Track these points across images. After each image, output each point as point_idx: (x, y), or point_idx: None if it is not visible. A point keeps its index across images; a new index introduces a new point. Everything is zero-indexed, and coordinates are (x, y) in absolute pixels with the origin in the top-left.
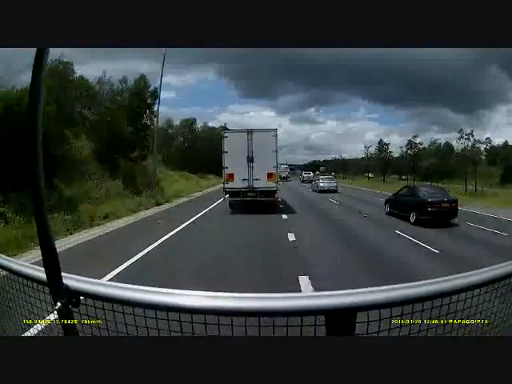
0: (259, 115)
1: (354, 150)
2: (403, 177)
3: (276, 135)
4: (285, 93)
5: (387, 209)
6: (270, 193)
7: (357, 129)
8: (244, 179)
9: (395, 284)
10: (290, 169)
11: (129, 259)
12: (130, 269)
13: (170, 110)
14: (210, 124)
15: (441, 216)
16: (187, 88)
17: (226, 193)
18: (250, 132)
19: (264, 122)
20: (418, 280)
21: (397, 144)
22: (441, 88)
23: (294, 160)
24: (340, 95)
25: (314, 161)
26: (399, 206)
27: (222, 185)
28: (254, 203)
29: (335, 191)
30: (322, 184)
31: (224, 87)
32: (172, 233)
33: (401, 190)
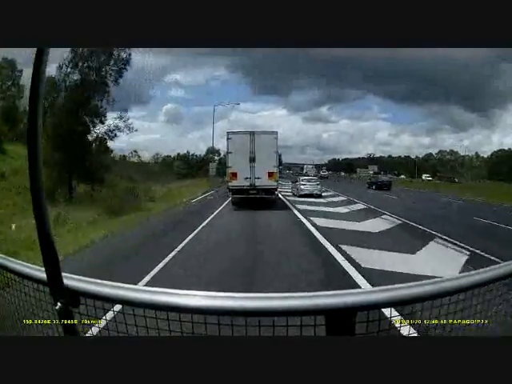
0: (271, 114)
1: (367, 150)
2: None
3: (277, 137)
4: (297, 91)
5: (367, 185)
6: (270, 190)
7: (369, 128)
8: (246, 178)
9: (396, 284)
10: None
11: None
12: None
13: (181, 108)
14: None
15: (382, 186)
16: (196, 86)
17: (230, 190)
18: (252, 134)
19: (276, 122)
20: (418, 279)
21: (407, 145)
22: (455, 87)
23: (306, 160)
24: (353, 93)
25: (334, 159)
26: (370, 184)
27: None
28: (255, 200)
29: (319, 196)
30: (303, 187)
31: (234, 85)
32: None
33: (370, 179)
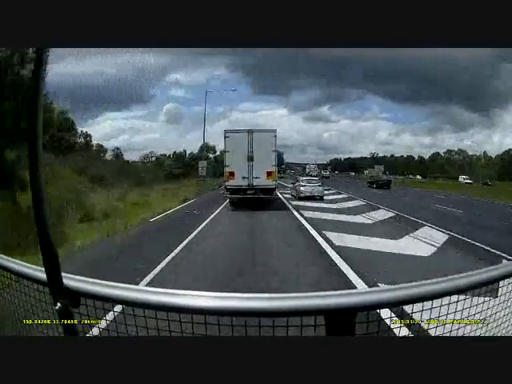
0: (271, 114)
1: (368, 150)
2: None
3: (275, 135)
4: (297, 91)
5: (367, 185)
6: (269, 190)
7: (369, 128)
8: (244, 177)
9: (395, 284)
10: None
11: None
12: None
13: (182, 107)
14: None
15: (382, 185)
16: (196, 86)
17: (227, 190)
18: (250, 132)
19: (276, 121)
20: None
21: (408, 144)
22: (455, 87)
23: (307, 159)
24: (354, 93)
25: (336, 158)
26: (371, 184)
27: None
28: (254, 200)
29: (321, 198)
30: (303, 189)
31: (235, 85)
32: None
33: (371, 178)
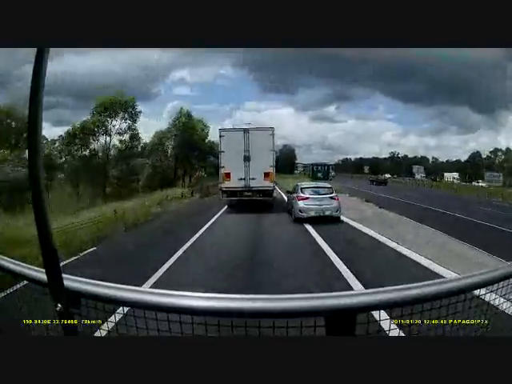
0: (278, 113)
1: (373, 150)
2: None
3: (273, 134)
4: (304, 90)
5: (369, 183)
6: (267, 192)
7: (376, 128)
8: (240, 178)
9: (394, 285)
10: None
11: None
12: None
13: (187, 106)
14: None
15: (380, 183)
16: (202, 84)
17: (223, 192)
18: (246, 131)
19: (282, 120)
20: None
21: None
22: (462, 88)
23: (317, 160)
24: (360, 93)
25: (346, 159)
26: (371, 182)
27: None
28: (251, 202)
29: (338, 218)
30: (302, 204)
31: (240, 84)
32: None
33: (372, 178)
